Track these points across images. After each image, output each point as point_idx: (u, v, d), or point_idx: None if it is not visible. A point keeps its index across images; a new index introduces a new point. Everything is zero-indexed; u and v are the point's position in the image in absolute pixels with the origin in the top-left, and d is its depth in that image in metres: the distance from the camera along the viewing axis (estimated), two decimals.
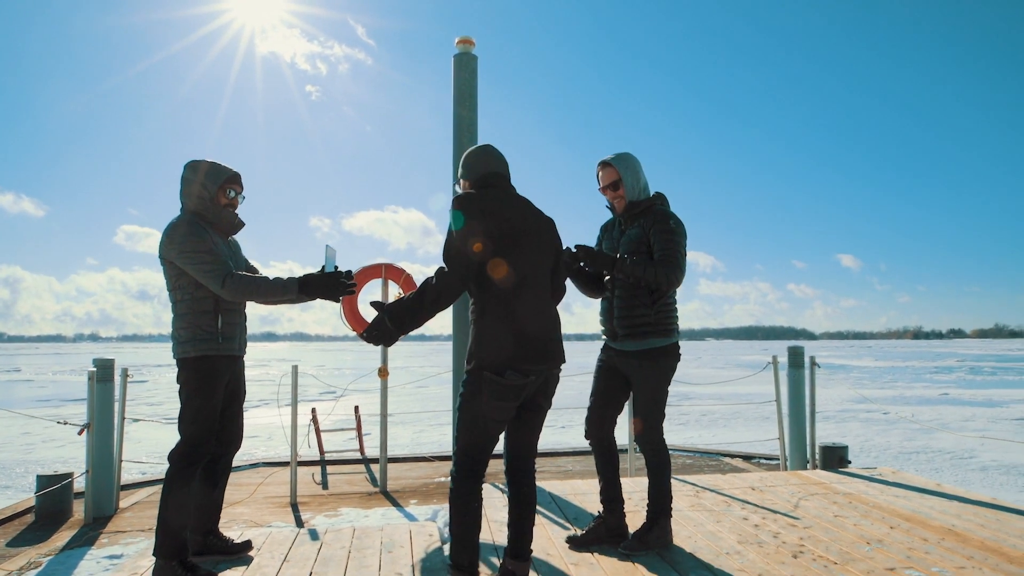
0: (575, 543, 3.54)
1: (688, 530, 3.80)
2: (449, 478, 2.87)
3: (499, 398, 2.71)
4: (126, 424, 4.93)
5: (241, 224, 3.48)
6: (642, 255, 3.37)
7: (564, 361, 2.93)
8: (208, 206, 3.32)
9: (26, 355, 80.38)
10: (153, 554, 3.19)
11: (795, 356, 5.78)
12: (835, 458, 5.64)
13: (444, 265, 2.76)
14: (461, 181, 3.00)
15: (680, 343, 3.50)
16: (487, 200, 2.79)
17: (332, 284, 3.15)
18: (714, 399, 18.58)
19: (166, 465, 3.25)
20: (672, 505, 3.55)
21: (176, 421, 3.27)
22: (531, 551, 2.98)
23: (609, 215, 3.66)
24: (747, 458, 6.82)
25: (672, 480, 5.03)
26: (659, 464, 3.47)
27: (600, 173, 3.53)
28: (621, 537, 3.54)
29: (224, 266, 3.18)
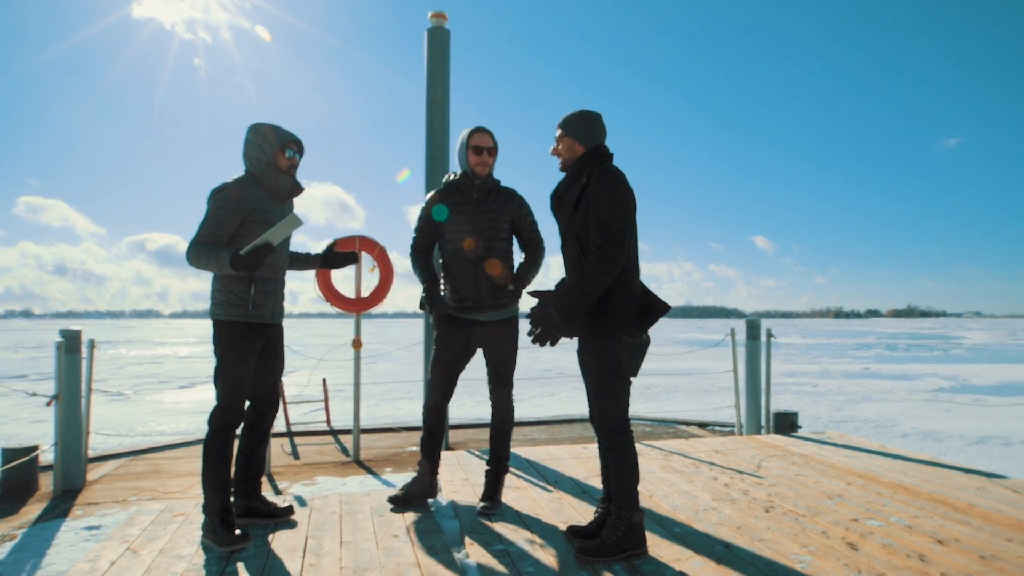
0: (398, 501, 3.76)
1: (664, 490, 4.02)
2: (609, 437, 2.88)
3: (638, 357, 2.83)
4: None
5: (299, 187, 3.47)
6: None
7: None
8: (264, 169, 3.33)
9: None
10: (203, 511, 3.26)
11: (753, 329, 6.10)
12: (787, 423, 6.01)
13: (603, 242, 2.72)
14: (567, 139, 2.97)
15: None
16: (619, 172, 2.88)
17: (252, 258, 3.05)
18: (654, 374, 19.16)
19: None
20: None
21: (212, 382, 3.29)
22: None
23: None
24: (702, 425, 7.16)
25: (641, 445, 5.29)
26: None
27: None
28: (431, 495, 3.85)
29: (211, 236, 3.15)
